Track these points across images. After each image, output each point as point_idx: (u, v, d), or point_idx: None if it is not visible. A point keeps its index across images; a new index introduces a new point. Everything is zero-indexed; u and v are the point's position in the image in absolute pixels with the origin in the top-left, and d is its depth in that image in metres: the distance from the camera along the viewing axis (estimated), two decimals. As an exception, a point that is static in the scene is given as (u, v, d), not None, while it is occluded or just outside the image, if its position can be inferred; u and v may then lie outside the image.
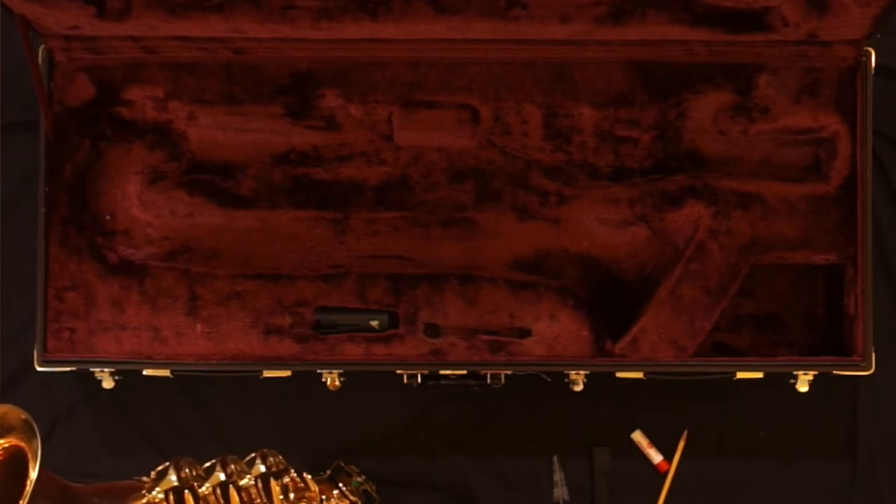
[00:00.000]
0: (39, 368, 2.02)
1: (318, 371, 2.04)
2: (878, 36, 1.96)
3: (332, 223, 2.07)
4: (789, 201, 2.02)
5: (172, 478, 1.73)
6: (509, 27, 1.95)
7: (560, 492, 2.18)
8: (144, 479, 1.76)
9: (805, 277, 2.12)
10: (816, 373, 2.02)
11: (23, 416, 1.57)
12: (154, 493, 1.72)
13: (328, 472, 2.08)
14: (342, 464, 2.10)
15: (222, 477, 1.77)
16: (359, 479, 2.08)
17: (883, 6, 1.86)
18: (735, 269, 2.02)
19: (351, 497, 2.04)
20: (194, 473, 1.77)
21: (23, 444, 1.56)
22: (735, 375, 2.04)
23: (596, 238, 2.07)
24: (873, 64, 1.99)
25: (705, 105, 2.04)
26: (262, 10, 1.93)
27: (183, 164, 2.07)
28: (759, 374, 2.04)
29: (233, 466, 1.80)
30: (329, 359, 2.02)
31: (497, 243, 2.07)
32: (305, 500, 1.91)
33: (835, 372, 2.03)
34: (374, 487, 2.11)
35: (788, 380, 2.04)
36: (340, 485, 2.04)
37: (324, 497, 1.97)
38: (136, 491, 1.73)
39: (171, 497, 1.72)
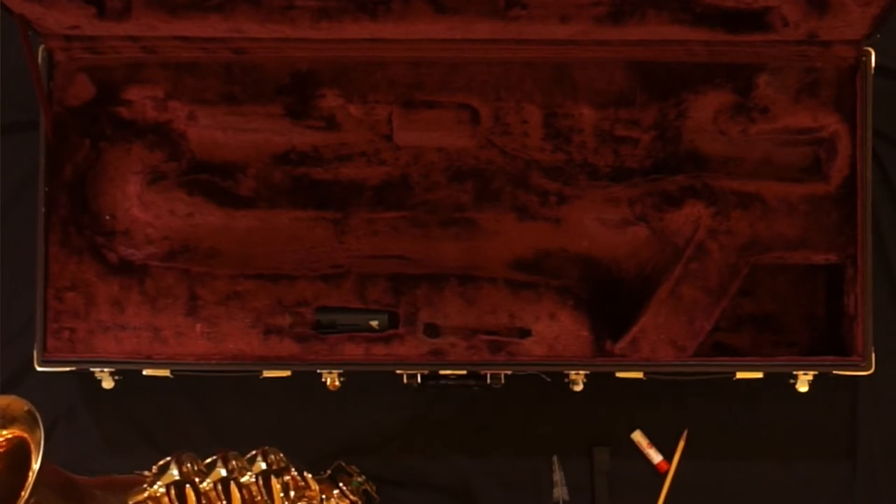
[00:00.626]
0: (39, 368, 2.02)
1: (318, 371, 2.03)
2: (878, 36, 1.96)
3: (332, 223, 2.07)
4: (789, 201, 2.02)
5: (174, 472, 1.73)
6: (509, 27, 1.95)
7: (560, 492, 2.17)
8: (146, 473, 1.76)
9: (805, 277, 2.12)
10: (816, 373, 2.02)
11: (25, 408, 1.57)
12: (155, 486, 1.72)
13: (328, 471, 2.07)
14: (342, 464, 2.10)
15: (223, 473, 1.77)
16: (359, 479, 2.08)
17: (883, 6, 1.86)
18: (735, 269, 2.02)
19: (351, 497, 2.03)
20: (196, 468, 1.76)
21: (25, 436, 1.56)
22: (735, 375, 2.04)
23: (596, 238, 2.07)
24: (873, 64, 2.00)
25: (705, 105, 2.05)
26: (262, 10, 1.93)
27: (183, 164, 2.07)
28: (759, 374, 2.04)
29: (234, 463, 1.79)
30: (329, 359, 2.02)
31: (497, 243, 2.07)
32: (306, 498, 1.90)
33: (835, 372, 2.03)
34: (374, 487, 2.10)
35: (788, 380, 2.04)
36: (341, 484, 2.04)
37: (324, 496, 1.97)
38: (138, 485, 1.73)
39: (173, 491, 1.72)
